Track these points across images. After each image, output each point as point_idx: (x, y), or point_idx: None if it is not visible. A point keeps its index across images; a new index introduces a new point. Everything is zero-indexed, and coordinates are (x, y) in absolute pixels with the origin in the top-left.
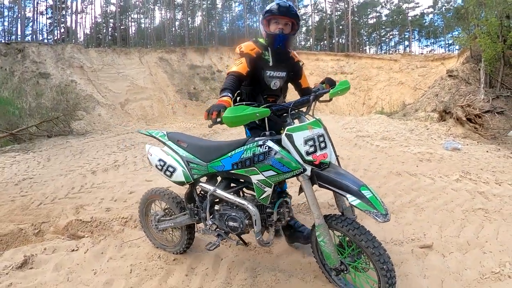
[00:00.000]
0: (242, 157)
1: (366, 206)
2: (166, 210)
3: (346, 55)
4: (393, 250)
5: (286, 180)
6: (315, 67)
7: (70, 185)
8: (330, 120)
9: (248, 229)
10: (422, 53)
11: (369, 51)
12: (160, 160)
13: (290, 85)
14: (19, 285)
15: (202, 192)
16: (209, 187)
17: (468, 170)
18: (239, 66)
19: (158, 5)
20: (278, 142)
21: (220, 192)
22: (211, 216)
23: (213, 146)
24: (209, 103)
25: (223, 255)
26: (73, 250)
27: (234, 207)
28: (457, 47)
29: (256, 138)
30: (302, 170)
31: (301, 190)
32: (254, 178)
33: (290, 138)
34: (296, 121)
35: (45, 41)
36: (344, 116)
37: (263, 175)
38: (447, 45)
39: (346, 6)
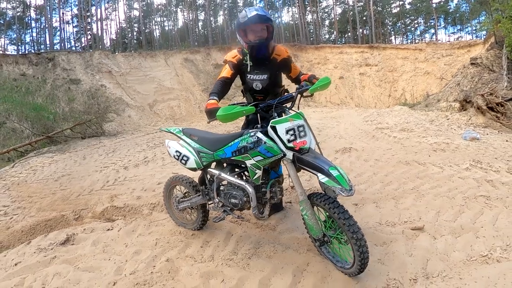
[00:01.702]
0: (239, 146)
1: (332, 182)
2: (185, 193)
3: (370, 46)
4: (385, 231)
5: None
6: (339, 61)
7: (105, 179)
8: (353, 113)
9: (247, 205)
10: (449, 41)
11: (395, 41)
12: (176, 151)
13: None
14: (62, 257)
15: (211, 176)
16: (216, 172)
17: (481, 159)
18: (224, 71)
19: (180, 7)
20: (266, 133)
21: (223, 175)
22: (217, 195)
23: (218, 138)
24: (235, 100)
25: (233, 231)
26: (108, 230)
27: (236, 187)
28: (484, 33)
29: (250, 130)
30: (282, 155)
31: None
32: (248, 163)
33: (274, 129)
34: (282, 114)
35: (73, 48)
36: (368, 109)
37: (254, 160)
38: (474, 32)
39: None
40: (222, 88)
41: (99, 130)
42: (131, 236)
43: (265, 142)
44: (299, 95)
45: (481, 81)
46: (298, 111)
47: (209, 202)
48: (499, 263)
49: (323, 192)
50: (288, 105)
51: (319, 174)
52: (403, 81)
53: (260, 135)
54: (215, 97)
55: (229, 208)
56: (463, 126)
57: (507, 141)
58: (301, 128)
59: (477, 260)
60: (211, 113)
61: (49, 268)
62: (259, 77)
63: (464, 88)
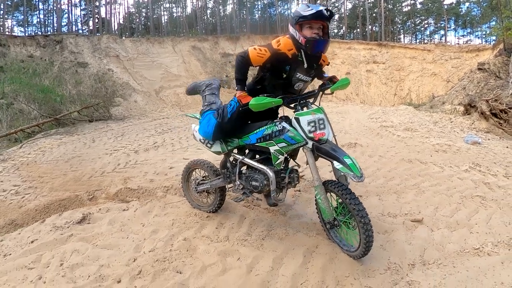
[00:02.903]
0: (264, 133)
1: (346, 169)
2: (204, 177)
3: (379, 44)
4: (387, 221)
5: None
6: (347, 56)
7: (115, 162)
8: (358, 110)
9: (266, 188)
10: (458, 44)
11: (404, 40)
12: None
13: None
14: (79, 235)
15: (233, 160)
16: (239, 156)
17: (480, 163)
18: (256, 57)
19: None
20: (289, 123)
21: (247, 160)
22: (239, 178)
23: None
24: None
25: (246, 215)
26: (124, 210)
27: (257, 171)
28: (493, 38)
29: (275, 120)
30: (305, 143)
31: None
32: (272, 149)
33: (297, 120)
34: (305, 108)
35: (80, 32)
36: (373, 106)
37: (278, 146)
38: (483, 36)
39: None
40: (246, 72)
41: (106, 114)
42: (147, 216)
43: (289, 131)
44: (321, 92)
45: (487, 87)
46: (319, 106)
47: (229, 185)
48: (490, 256)
49: (337, 180)
50: (311, 100)
51: (334, 162)
52: (409, 81)
53: (285, 124)
54: (244, 88)
55: (248, 191)
56: (466, 130)
57: (507, 147)
58: (321, 121)
59: (469, 252)
60: (245, 104)
61: (67, 245)
62: (306, 78)
63: (470, 92)
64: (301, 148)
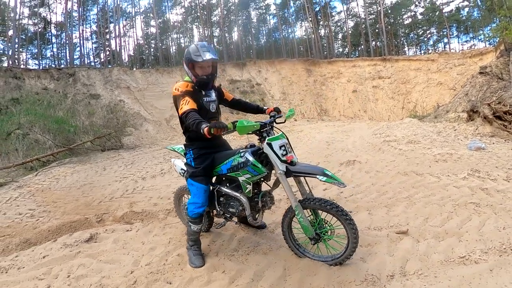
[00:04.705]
0: (232, 164)
1: (331, 180)
2: None
3: (383, 59)
4: (371, 234)
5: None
6: (352, 74)
7: (124, 188)
8: (364, 127)
9: (243, 213)
10: (462, 50)
11: (408, 52)
12: (181, 169)
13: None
14: (86, 252)
15: (212, 188)
16: (216, 185)
17: (480, 168)
18: (189, 103)
19: (195, 24)
20: (254, 153)
21: (222, 188)
22: (218, 205)
23: (217, 156)
24: (250, 116)
25: (237, 234)
26: (127, 230)
27: (232, 198)
28: (497, 40)
29: (241, 150)
30: (266, 174)
31: (274, 185)
32: (240, 179)
33: (270, 145)
34: (270, 134)
35: (92, 64)
36: (379, 122)
37: (244, 177)
38: (486, 39)
39: (378, 8)
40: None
41: (118, 143)
42: (147, 235)
43: (252, 163)
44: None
45: (490, 90)
46: (282, 132)
47: (213, 210)
48: (477, 264)
49: (310, 196)
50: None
51: (318, 176)
52: (416, 93)
53: (248, 155)
54: (208, 123)
55: (229, 216)
56: (470, 136)
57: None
58: (287, 145)
59: (454, 261)
60: (224, 128)
61: (74, 260)
62: (211, 98)
63: (472, 98)
64: (273, 173)
